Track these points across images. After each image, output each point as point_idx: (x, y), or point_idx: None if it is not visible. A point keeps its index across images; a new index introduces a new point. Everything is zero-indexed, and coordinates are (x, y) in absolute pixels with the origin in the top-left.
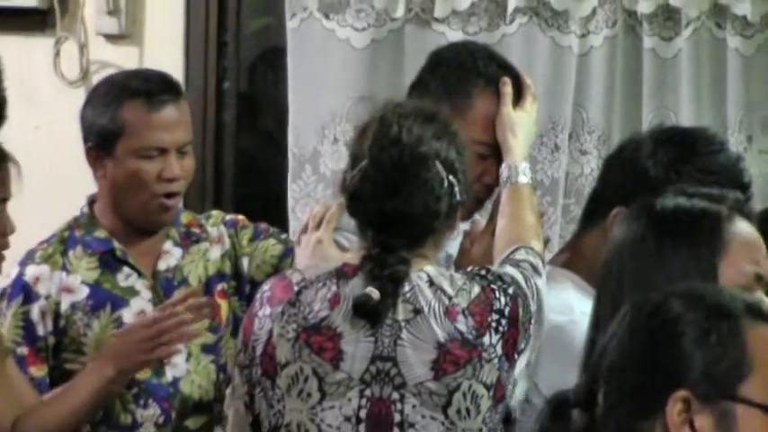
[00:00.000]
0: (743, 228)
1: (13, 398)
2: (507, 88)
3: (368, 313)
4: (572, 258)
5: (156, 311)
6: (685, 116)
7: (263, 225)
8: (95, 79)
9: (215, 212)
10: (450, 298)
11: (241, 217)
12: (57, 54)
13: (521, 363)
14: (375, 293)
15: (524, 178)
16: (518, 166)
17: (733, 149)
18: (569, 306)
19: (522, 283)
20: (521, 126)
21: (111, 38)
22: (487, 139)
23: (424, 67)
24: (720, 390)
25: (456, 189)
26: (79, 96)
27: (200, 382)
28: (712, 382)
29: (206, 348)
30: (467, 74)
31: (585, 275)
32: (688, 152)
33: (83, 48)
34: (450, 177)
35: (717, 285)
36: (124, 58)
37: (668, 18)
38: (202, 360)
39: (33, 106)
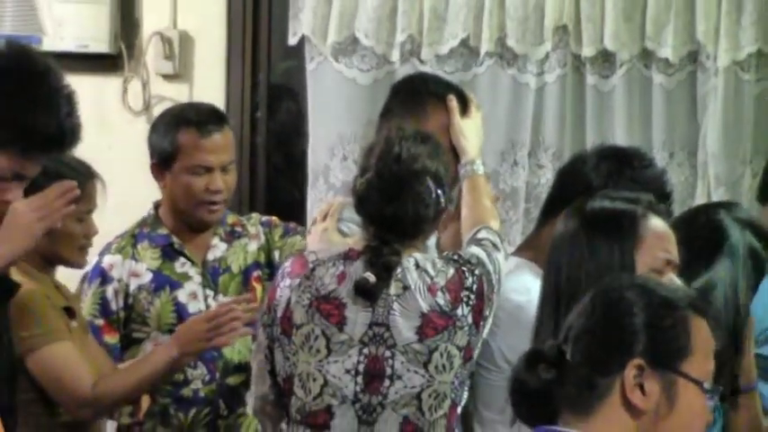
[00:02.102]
0: (656, 223)
1: (93, 365)
2: (453, 103)
3: (365, 293)
4: (531, 251)
5: (216, 308)
6: (620, 137)
7: (291, 224)
8: (155, 110)
9: (254, 215)
10: (431, 278)
11: (274, 218)
12: (125, 90)
13: (487, 325)
14: (371, 278)
15: (479, 171)
16: (473, 162)
17: (659, 165)
18: (527, 288)
19: (486, 260)
20: (469, 130)
21: (167, 77)
22: (445, 145)
23: (389, 95)
24: (668, 364)
25: (442, 199)
26: (143, 123)
27: (240, 347)
28: (663, 356)
29: None
30: (421, 96)
31: (542, 264)
32: (624, 166)
33: (145, 85)
34: (438, 190)
35: (668, 283)
36: (178, 93)
37: (606, 60)
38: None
39: (107, 131)
